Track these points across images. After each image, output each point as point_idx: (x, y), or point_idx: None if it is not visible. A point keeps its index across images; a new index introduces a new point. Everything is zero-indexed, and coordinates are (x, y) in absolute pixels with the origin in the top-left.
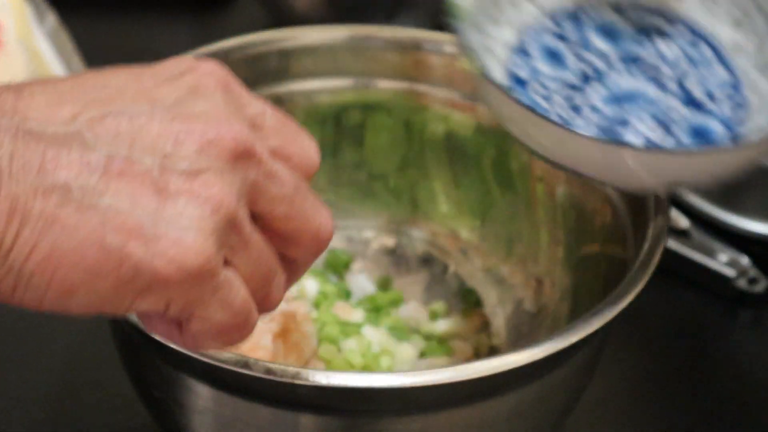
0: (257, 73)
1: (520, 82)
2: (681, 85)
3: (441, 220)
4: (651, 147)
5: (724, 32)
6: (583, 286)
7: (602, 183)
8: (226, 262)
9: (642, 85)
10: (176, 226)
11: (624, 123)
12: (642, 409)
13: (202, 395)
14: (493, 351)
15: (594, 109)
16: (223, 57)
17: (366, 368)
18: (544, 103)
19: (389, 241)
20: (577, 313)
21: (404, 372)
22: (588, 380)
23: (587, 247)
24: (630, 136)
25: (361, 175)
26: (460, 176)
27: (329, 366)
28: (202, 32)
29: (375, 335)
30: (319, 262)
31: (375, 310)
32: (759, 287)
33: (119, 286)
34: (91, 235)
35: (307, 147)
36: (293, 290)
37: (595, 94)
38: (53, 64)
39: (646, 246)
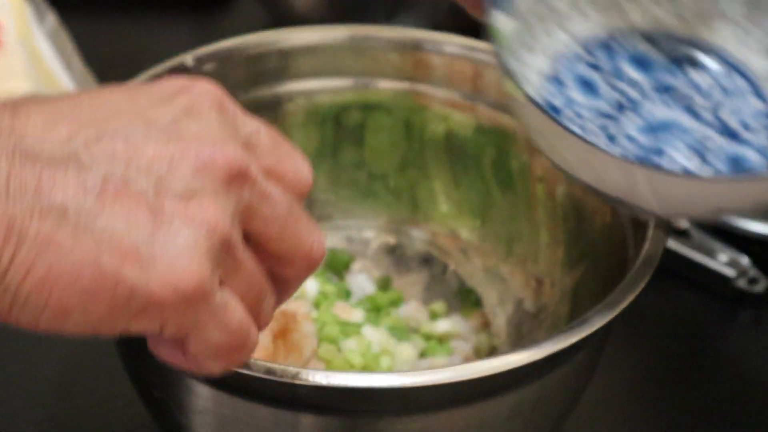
0: (257, 73)
1: (554, 110)
2: (716, 114)
3: (441, 220)
4: (694, 174)
5: (757, 62)
6: (583, 286)
7: (647, 213)
8: (221, 283)
9: (677, 114)
10: (171, 248)
11: (659, 152)
12: (642, 409)
13: (202, 395)
14: (493, 351)
15: (629, 138)
16: (223, 57)
17: (366, 368)
18: (579, 132)
19: (389, 241)
20: (577, 313)
21: (404, 372)
22: (588, 380)
23: (587, 247)
24: (666, 166)
25: (361, 175)
26: (460, 176)
27: (329, 366)
28: (202, 32)
29: (375, 335)
30: None
31: (375, 310)
32: (759, 287)
33: (114, 308)
34: (87, 258)
35: (300, 166)
36: None
37: (630, 124)
38: (53, 64)
39: (646, 246)
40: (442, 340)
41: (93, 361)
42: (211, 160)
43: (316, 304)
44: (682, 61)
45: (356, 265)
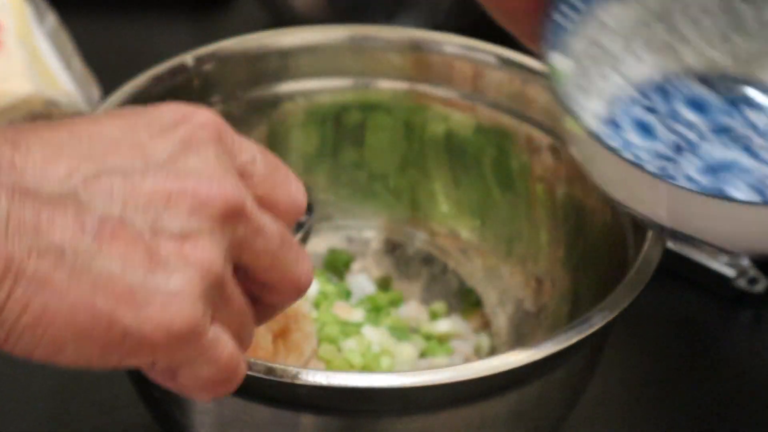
0: (257, 73)
1: None
2: None
3: (441, 220)
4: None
5: None
6: (583, 286)
7: (718, 249)
8: (212, 319)
9: (735, 154)
10: (164, 291)
11: (721, 193)
12: (642, 408)
13: None
14: (493, 351)
15: (689, 179)
16: (222, 57)
17: (366, 368)
18: (643, 164)
19: (389, 241)
20: (577, 313)
21: (404, 372)
22: (588, 380)
23: (587, 247)
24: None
25: (361, 175)
26: (460, 176)
27: (329, 366)
28: (202, 32)
29: (375, 335)
30: (319, 262)
31: (375, 310)
32: (759, 287)
33: (107, 347)
34: (82, 299)
35: (294, 192)
36: None
37: (690, 165)
38: (53, 64)
39: (646, 246)
40: (442, 340)
41: None
42: (208, 199)
43: (316, 304)
44: (738, 101)
45: (356, 265)
